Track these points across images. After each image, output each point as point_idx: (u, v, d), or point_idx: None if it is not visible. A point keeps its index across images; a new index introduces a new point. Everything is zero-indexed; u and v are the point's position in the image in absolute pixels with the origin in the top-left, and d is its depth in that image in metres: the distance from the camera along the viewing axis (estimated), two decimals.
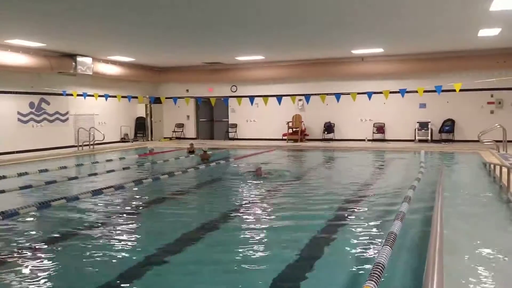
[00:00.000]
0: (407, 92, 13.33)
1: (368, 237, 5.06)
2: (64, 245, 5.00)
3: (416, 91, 13.01)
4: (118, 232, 5.52)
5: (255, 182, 8.85)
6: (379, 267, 3.30)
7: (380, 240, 4.80)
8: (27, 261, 4.42)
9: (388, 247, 3.88)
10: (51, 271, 4.22)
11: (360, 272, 4.03)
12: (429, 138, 16.50)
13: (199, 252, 4.75)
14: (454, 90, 12.35)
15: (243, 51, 15.41)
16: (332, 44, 13.82)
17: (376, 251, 4.38)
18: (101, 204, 7.04)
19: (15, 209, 6.32)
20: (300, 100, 18.01)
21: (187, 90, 20.53)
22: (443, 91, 12.67)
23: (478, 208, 6.51)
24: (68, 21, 10.01)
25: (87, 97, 15.94)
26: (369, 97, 13.59)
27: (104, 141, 16.65)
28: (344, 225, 5.66)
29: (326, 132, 18.23)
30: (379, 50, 15.10)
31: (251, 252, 4.60)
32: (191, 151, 14.39)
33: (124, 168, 11.18)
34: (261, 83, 19.05)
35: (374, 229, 5.40)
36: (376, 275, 3.14)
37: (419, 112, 17.02)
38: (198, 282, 3.93)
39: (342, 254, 4.59)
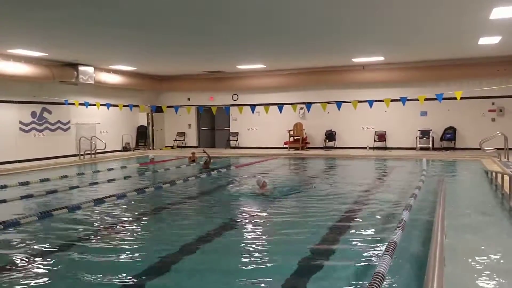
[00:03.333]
0: (408, 100, 13.33)
1: (368, 246, 5.02)
2: (63, 255, 4.98)
3: (417, 99, 13.01)
4: (117, 242, 5.50)
5: (256, 194, 8.60)
6: (379, 276, 3.28)
7: (381, 249, 4.78)
8: (26, 271, 4.41)
9: (388, 256, 3.87)
10: (49, 281, 4.21)
11: (361, 282, 4.00)
12: (430, 146, 16.48)
13: (195, 265, 4.72)
14: (455, 98, 12.33)
15: (244, 60, 15.48)
16: (333, 52, 13.89)
17: (376, 259, 4.35)
18: (102, 214, 7.03)
19: (16, 219, 6.33)
20: (301, 108, 18.04)
21: (189, 99, 20.60)
22: (444, 99, 12.66)
23: (479, 216, 6.48)
24: (69, 31, 10.08)
25: (89, 106, 15.98)
26: (370, 105, 13.58)
27: (105, 150, 16.68)
28: (344, 234, 5.63)
29: (327, 140, 18.22)
30: (380, 58, 15.15)
31: (247, 266, 4.55)
32: (192, 160, 14.39)
33: (125, 177, 11.18)
34: (262, 92, 19.11)
35: (375, 238, 5.37)
36: (375, 285, 3.13)
37: (420, 120, 17.03)
38: None
39: (343, 263, 4.55)
